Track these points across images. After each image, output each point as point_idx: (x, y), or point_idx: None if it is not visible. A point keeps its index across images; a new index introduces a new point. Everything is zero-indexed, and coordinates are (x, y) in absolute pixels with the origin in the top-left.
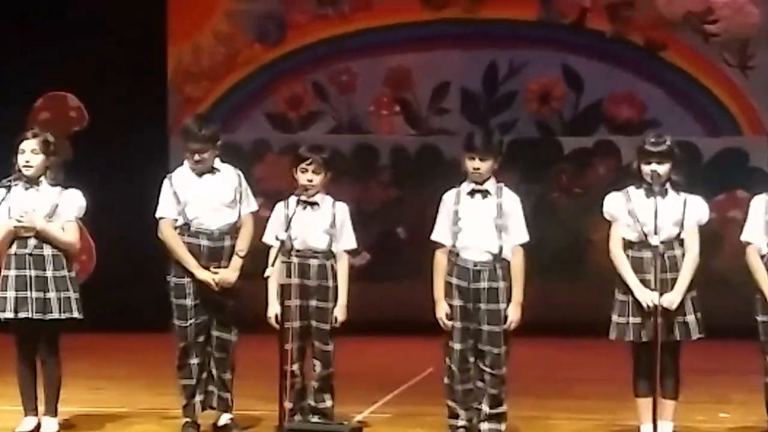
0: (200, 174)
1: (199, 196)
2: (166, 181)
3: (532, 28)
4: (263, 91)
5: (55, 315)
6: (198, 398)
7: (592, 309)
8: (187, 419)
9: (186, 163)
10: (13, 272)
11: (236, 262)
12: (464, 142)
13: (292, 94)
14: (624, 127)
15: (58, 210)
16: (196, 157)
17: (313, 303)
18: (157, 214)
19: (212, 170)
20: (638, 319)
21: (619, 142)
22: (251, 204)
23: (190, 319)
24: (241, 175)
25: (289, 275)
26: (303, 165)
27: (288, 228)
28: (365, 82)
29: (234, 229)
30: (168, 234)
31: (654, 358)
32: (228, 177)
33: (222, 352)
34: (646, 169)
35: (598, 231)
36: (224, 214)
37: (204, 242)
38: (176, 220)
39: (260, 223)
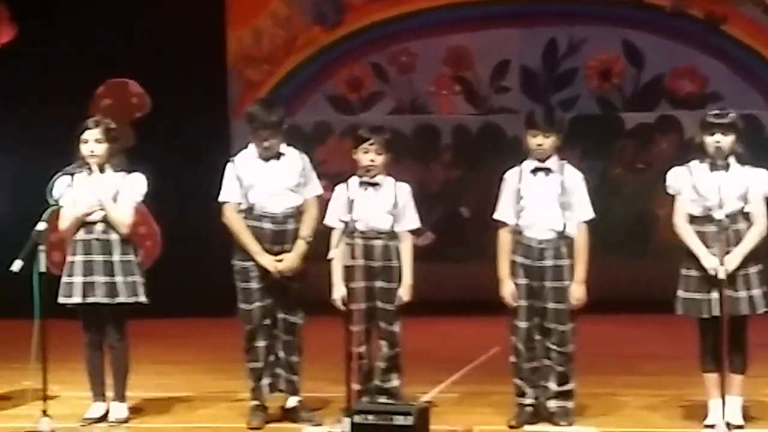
0: (266, 159)
1: (263, 180)
2: (229, 165)
3: (591, 5)
4: (323, 73)
5: (122, 298)
6: (266, 381)
7: (657, 285)
8: (255, 402)
9: (250, 146)
10: (79, 258)
11: (301, 247)
12: (526, 119)
13: (352, 75)
14: (685, 101)
15: (120, 194)
16: (265, 143)
17: (378, 284)
18: (221, 198)
19: (278, 155)
20: (704, 294)
21: (681, 117)
22: (315, 187)
23: (255, 302)
24: (306, 158)
25: (353, 257)
26: (364, 146)
27: (351, 210)
28: (425, 61)
29: (298, 213)
30: (232, 218)
31: (720, 333)
32: (293, 160)
33: (289, 335)
34: (709, 141)
35: (662, 206)
36: (288, 197)
37: (268, 225)
38: (240, 203)
39: (322, 205)
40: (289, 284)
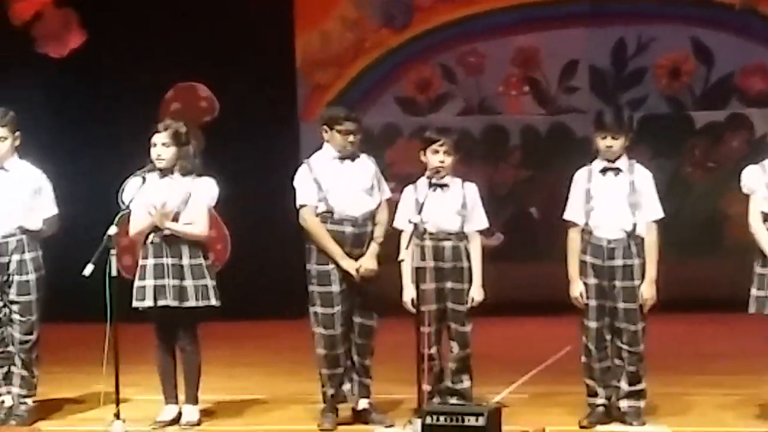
0: (343, 159)
1: (341, 183)
2: (304, 167)
3: (659, 3)
4: (391, 75)
5: (192, 303)
6: (346, 386)
7: (729, 284)
8: (327, 404)
9: (326, 147)
10: (150, 261)
11: (374, 249)
12: (595, 121)
13: (421, 77)
14: (756, 99)
15: (191, 199)
16: (351, 138)
17: (449, 285)
18: (299, 201)
19: (353, 156)
20: None
21: (752, 115)
22: (385, 190)
23: (337, 305)
24: (374, 161)
25: (423, 258)
26: (434, 147)
27: (420, 211)
28: (493, 62)
29: (373, 216)
30: (311, 221)
31: None
32: (366, 163)
33: (364, 339)
34: None
35: (733, 205)
36: (366, 200)
37: (348, 229)
38: (317, 206)
39: (392, 207)
40: (366, 287)
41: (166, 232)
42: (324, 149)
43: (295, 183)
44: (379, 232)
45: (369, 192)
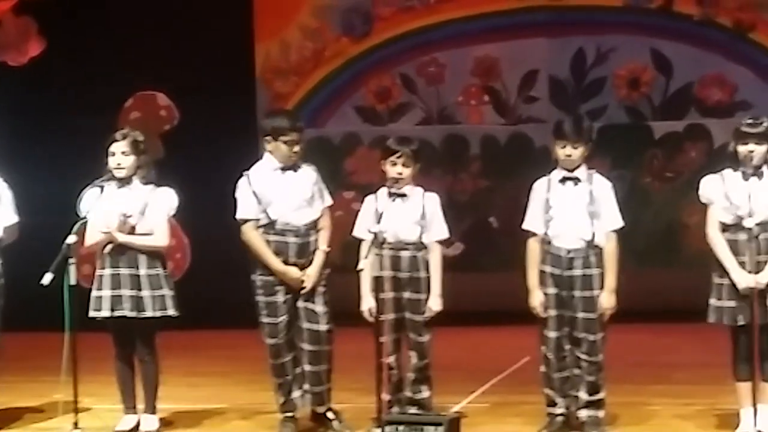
0: (285, 170)
1: (283, 193)
2: (243, 181)
3: (619, 14)
4: (351, 84)
5: (149, 313)
6: (296, 394)
7: (687, 293)
8: (285, 414)
9: (266, 157)
10: (107, 271)
11: (320, 258)
12: (554, 130)
13: (381, 86)
14: (715, 109)
15: (149, 208)
16: (295, 148)
17: (407, 295)
18: (239, 216)
19: (295, 166)
20: (736, 302)
21: (711, 125)
22: (326, 199)
23: (281, 315)
24: (315, 169)
25: (382, 268)
26: (392, 158)
27: (379, 221)
28: (453, 72)
29: (315, 225)
30: (251, 236)
31: (752, 342)
32: (306, 173)
33: (315, 345)
34: (742, 150)
35: (691, 215)
36: (308, 209)
37: (291, 239)
38: (258, 219)
39: (352, 216)
40: (312, 295)
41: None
42: (265, 159)
43: (236, 196)
44: (323, 239)
45: (310, 202)
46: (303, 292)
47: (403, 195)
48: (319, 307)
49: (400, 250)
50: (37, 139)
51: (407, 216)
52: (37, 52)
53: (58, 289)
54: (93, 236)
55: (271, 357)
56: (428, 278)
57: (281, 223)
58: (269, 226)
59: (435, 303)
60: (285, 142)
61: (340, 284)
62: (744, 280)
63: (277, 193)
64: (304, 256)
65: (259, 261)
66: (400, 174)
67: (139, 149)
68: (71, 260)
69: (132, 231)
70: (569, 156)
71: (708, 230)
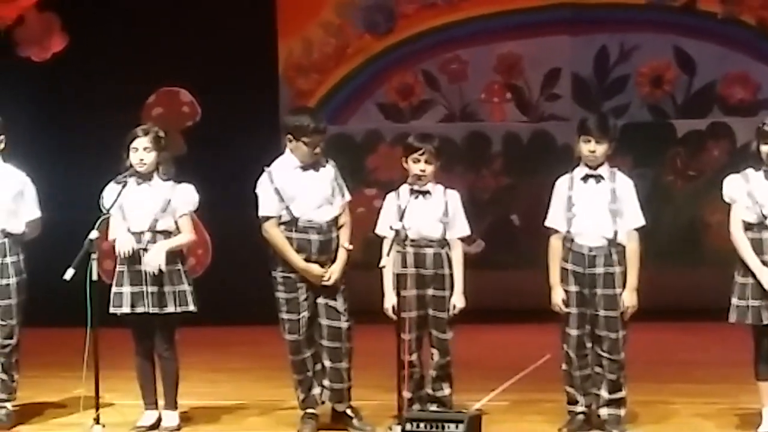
0: (305, 168)
1: (304, 191)
2: (265, 177)
3: (642, 11)
4: (374, 81)
5: (171, 309)
6: (316, 390)
7: (709, 292)
8: (306, 410)
9: (287, 154)
10: (127, 267)
11: (343, 255)
12: (579, 126)
13: (403, 83)
14: (738, 108)
15: (171, 205)
16: (317, 150)
17: (430, 292)
18: (261, 213)
19: (316, 165)
20: (758, 302)
21: (733, 124)
22: (346, 194)
23: (303, 311)
24: (335, 165)
25: (404, 265)
26: (415, 155)
27: (401, 218)
28: (476, 69)
29: (337, 221)
30: (273, 233)
31: None
32: (326, 169)
33: (335, 341)
34: (765, 149)
35: (713, 214)
36: (329, 206)
37: (314, 237)
38: (280, 216)
39: (374, 213)
40: (333, 292)
41: (144, 239)
42: (286, 156)
43: (257, 192)
44: (344, 236)
45: (331, 199)
46: (325, 287)
47: (426, 192)
48: (339, 304)
49: (423, 247)
50: (60, 134)
51: (430, 213)
52: (60, 47)
53: (81, 285)
54: (116, 232)
55: (291, 353)
56: (452, 275)
57: (304, 220)
58: (291, 223)
59: (458, 300)
60: (306, 143)
61: (362, 281)
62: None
63: (299, 190)
64: (325, 253)
65: (281, 258)
66: (423, 171)
67: (160, 145)
68: (93, 256)
69: (152, 227)
70: (593, 152)
71: (732, 229)
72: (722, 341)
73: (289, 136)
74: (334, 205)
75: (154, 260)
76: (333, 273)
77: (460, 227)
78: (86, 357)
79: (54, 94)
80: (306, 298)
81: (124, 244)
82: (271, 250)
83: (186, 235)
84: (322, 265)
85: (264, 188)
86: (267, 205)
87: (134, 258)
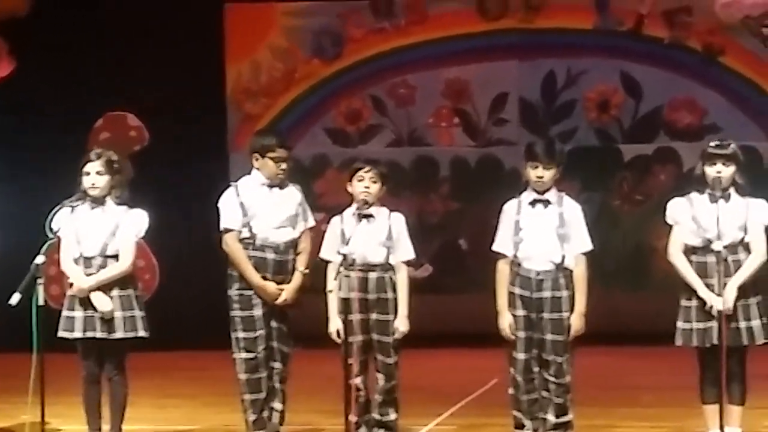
0: (272, 186)
1: (267, 210)
2: (230, 191)
3: (589, 36)
4: (322, 106)
5: (120, 334)
6: (266, 413)
7: (656, 316)
8: None
9: (254, 173)
10: None
11: (298, 279)
12: (527, 151)
13: (351, 108)
14: (684, 133)
15: (119, 230)
16: (283, 165)
17: (374, 316)
18: (223, 225)
19: (282, 184)
20: (703, 325)
21: (680, 149)
22: (309, 220)
23: (259, 329)
24: (301, 190)
25: (349, 289)
26: (360, 173)
27: (346, 242)
28: (423, 94)
29: (295, 244)
30: (234, 247)
31: (720, 364)
32: (292, 192)
33: (282, 364)
34: (710, 171)
35: (660, 238)
36: (289, 228)
37: (270, 256)
38: (240, 232)
39: (321, 238)
40: (286, 313)
41: (95, 263)
42: (253, 175)
43: (220, 205)
44: (302, 261)
45: (293, 221)
46: (279, 304)
47: (369, 216)
48: (290, 327)
49: (367, 272)
50: (7, 158)
51: (374, 237)
52: (7, 72)
53: (27, 310)
54: (67, 257)
55: (246, 372)
56: (396, 299)
57: (261, 238)
58: (249, 240)
59: (402, 324)
60: (273, 159)
61: (308, 306)
62: (711, 297)
63: (262, 208)
64: (281, 273)
65: (238, 274)
66: (367, 188)
67: (113, 169)
68: (40, 280)
69: (103, 252)
70: (540, 178)
71: (671, 251)
72: (669, 365)
73: (256, 154)
74: (296, 229)
75: (105, 307)
76: (287, 292)
77: (404, 251)
78: (32, 382)
79: (0, 117)
80: (262, 316)
81: (104, 305)
82: (228, 268)
83: (122, 263)
84: (278, 285)
85: (228, 201)
86: (229, 218)
87: None
